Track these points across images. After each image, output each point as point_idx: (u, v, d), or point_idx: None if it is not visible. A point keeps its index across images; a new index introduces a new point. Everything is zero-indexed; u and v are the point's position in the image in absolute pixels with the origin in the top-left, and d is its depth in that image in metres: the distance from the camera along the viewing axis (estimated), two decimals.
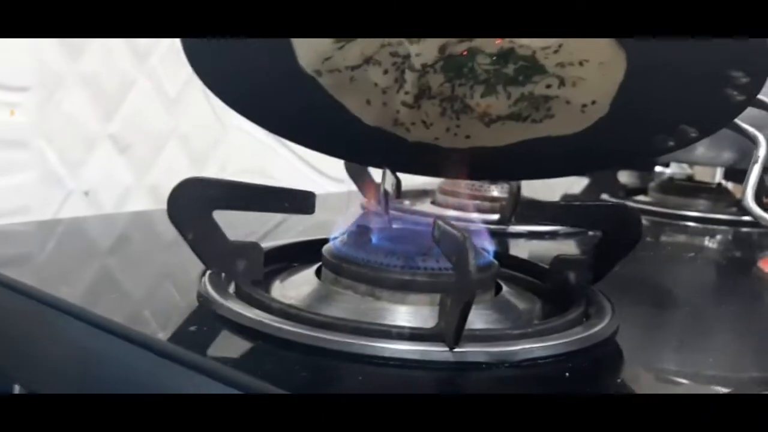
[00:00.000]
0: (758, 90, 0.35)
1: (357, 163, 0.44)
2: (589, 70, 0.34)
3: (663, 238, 0.72)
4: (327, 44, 0.35)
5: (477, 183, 0.70)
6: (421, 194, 0.73)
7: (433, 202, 0.71)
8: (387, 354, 0.31)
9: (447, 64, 0.35)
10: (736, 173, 0.82)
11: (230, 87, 0.40)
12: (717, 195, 0.81)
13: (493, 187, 0.69)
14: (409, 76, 0.36)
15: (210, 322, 0.35)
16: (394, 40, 0.35)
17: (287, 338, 0.32)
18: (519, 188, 0.64)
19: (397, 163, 0.43)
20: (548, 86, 0.35)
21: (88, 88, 0.68)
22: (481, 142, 0.39)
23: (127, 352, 0.33)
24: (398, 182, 0.46)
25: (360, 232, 0.41)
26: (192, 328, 0.34)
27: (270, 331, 0.33)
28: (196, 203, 0.38)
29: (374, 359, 0.31)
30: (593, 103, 0.35)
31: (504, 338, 0.33)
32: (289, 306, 0.35)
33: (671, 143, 0.38)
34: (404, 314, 0.36)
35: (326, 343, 0.32)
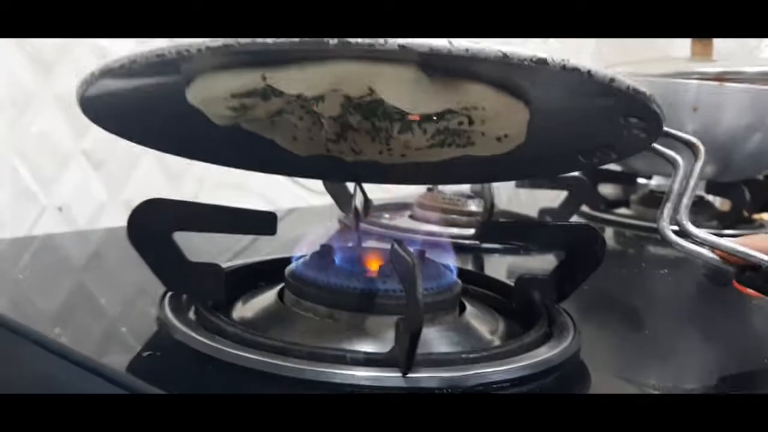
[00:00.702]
0: (658, 130, 0.35)
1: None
2: (491, 113, 0.34)
3: (643, 252, 0.72)
4: (228, 111, 0.35)
5: (455, 197, 0.70)
6: (401, 207, 0.73)
7: (411, 216, 0.71)
8: (339, 380, 0.31)
9: (358, 108, 0.35)
10: (718, 187, 0.82)
11: (155, 137, 0.40)
12: (699, 208, 0.81)
13: (470, 201, 0.68)
14: (326, 121, 0.37)
15: (166, 348, 0.35)
16: (291, 100, 0.35)
17: (241, 364, 0.32)
18: (492, 204, 0.64)
19: (342, 178, 0.42)
20: (460, 123, 0.35)
21: (60, 105, 0.68)
22: (417, 158, 0.39)
23: (85, 380, 0.33)
24: (366, 201, 0.46)
25: (323, 252, 0.41)
26: (146, 354, 0.34)
27: (223, 357, 0.33)
28: (155, 225, 0.37)
29: (327, 385, 0.31)
30: (506, 136, 0.35)
31: (459, 362, 0.33)
32: (244, 330, 0.34)
33: (595, 160, 0.39)
34: (363, 337, 0.35)
35: (279, 369, 0.32)
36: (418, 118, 0.36)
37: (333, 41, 0.27)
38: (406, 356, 0.30)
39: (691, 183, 0.37)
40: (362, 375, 0.31)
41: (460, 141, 0.37)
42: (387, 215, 0.71)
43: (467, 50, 0.27)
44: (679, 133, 0.37)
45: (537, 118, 0.34)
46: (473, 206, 0.68)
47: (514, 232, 0.41)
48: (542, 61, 0.28)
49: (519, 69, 0.29)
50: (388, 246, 0.43)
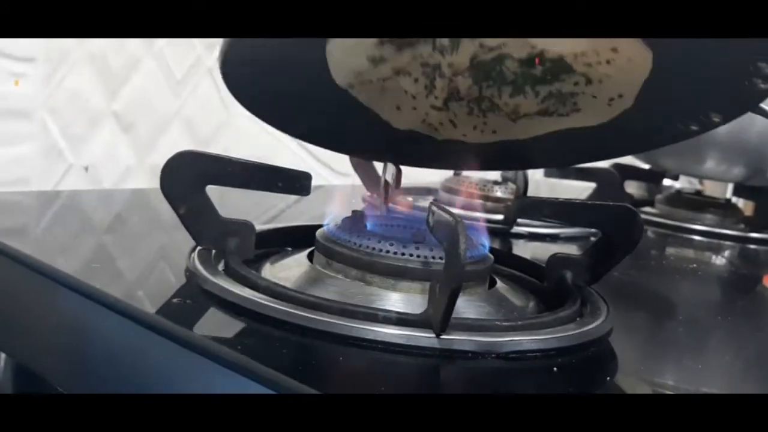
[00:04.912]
0: None
1: (385, 162, 0.45)
2: (615, 68, 0.35)
3: (668, 251, 0.71)
4: (361, 62, 0.36)
5: (481, 182, 0.69)
6: (424, 192, 0.72)
7: (435, 201, 0.70)
8: (371, 336, 0.30)
9: (476, 69, 0.36)
10: (746, 190, 0.81)
11: (264, 102, 0.40)
12: (725, 211, 0.80)
13: (497, 187, 0.68)
14: (439, 83, 0.37)
15: (195, 296, 0.34)
16: (425, 52, 0.36)
17: (272, 316, 0.32)
18: (525, 190, 0.63)
19: (423, 161, 0.43)
20: (576, 83, 0.36)
21: (94, 65, 0.68)
22: (507, 136, 0.40)
23: (114, 324, 0.33)
24: (398, 172, 0.46)
25: (355, 218, 0.40)
26: (175, 300, 0.34)
27: (254, 308, 0.32)
28: (189, 177, 0.37)
29: (358, 341, 0.30)
30: (620, 96, 0.36)
31: (493, 329, 0.32)
32: (276, 285, 0.34)
33: (694, 128, 0.38)
34: (394, 300, 0.35)
35: (310, 322, 0.31)
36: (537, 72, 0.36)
37: None
38: (442, 316, 0.30)
39: None
40: (395, 333, 0.31)
41: (565, 109, 0.38)
42: (411, 199, 0.70)
43: None
44: None
45: (655, 77, 0.34)
46: (500, 192, 0.68)
47: (551, 209, 0.40)
48: None
49: None
50: (416, 218, 0.43)
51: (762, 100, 0.36)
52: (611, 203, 0.41)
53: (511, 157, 0.42)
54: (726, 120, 0.38)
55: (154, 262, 0.44)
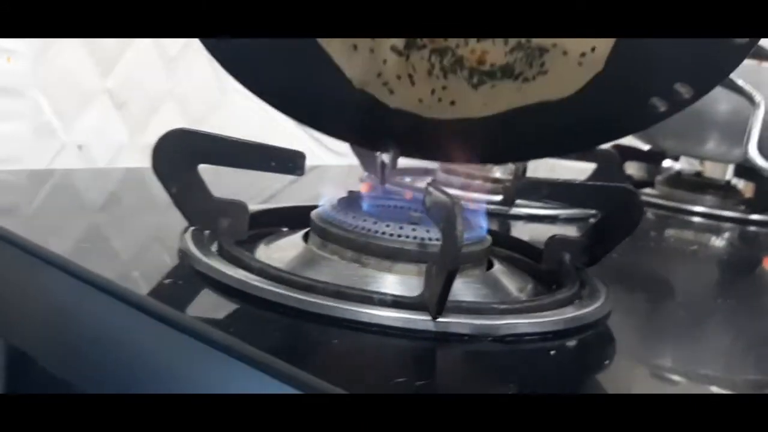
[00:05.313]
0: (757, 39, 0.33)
1: (340, 138, 0.43)
2: None
3: (667, 232, 0.71)
4: None
5: None
6: (422, 172, 0.71)
7: (433, 181, 0.69)
8: (366, 319, 0.30)
9: None
10: (747, 171, 0.80)
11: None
12: (725, 192, 0.79)
13: (495, 168, 0.67)
14: None
15: (188, 277, 0.34)
16: None
17: (265, 298, 0.31)
18: (525, 170, 0.63)
19: (374, 136, 0.41)
20: None
21: (86, 42, 0.67)
22: (467, 110, 0.37)
23: (105, 305, 0.32)
24: (396, 152, 0.45)
25: (351, 198, 0.40)
26: (167, 282, 0.33)
27: (247, 290, 0.32)
28: (181, 155, 0.36)
29: (353, 324, 0.30)
30: (592, 50, 0.34)
31: (489, 312, 0.32)
32: (269, 266, 0.33)
33: (663, 109, 0.36)
34: (390, 283, 0.34)
35: (304, 304, 0.30)
36: None
37: None
38: (438, 299, 0.29)
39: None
40: (390, 316, 0.30)
41: (531, 71, 0.35)
42: (408, 179, 0.70)
43: None
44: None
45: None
46: (498, 173, 0.67)
47: (550, 189, 0.40)
48: None
49: None
50: (413, 199, 0.42)
51: (736, 64, 0.35)
52: (611, 184, 0.40)
53: (470, 143, 0.40)
54: (696, 96, 0.36)
55: (147, 242, 0.43)
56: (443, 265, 0.29)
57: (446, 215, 0.30)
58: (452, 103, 0.38)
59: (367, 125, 0.41)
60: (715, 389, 0.32)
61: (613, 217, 0.39)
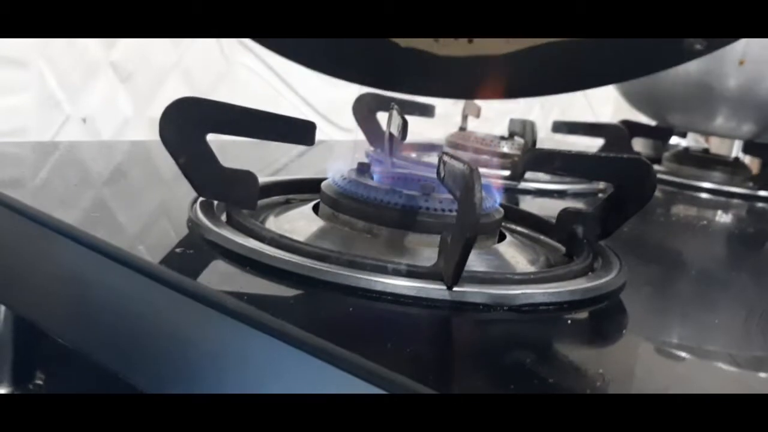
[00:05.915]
0: None
1: (352, 81, 0.41)
2: None
3: (675, 209, 0.70)
4: None
5: (488, 137, 0.68)
6: (428, 147, 0.71)
7: (445, 152, 0.69)
8: (380, 288, 0.30)
9: None
10: (755, 147, 0.80)
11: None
12: (733, 168, 0.79)
13: (503, 142, 0.67)
14: None
15: (198, 246, 0.33)
16: None
17: (277, 266, 0.31)
18: (534, 144, 0.62)
19: (391, 76, 0.39)
20: None
21: None
22: (487, 48, 0.36)
23: (116, 274, 0.32)
24: (404, 123, 0.44)
25: (362, 169, 0.39)
26: (178, 251, 0.33)
27: (260, 258, 0.31)
28: (190, 124, 0.36)
29: (368, 293, 0.30)
30: None
31: (505, 282, 0.31)
32: (281, 236, 0.33)
33: (699, 47, 0.35)
34: (402, 253, 0.34)
35: (317, 273, 0.30)
36: None
37: None
38: (454, 268, 0.29)
39: None
40: (405, 285, 0.30)
41: None
42: (415, 155, 0.69)
43: None
44: None
45: None
46: (506, 148, 0.66)
47: (562, 161, 0.39)
48: None
49: None
50: (424, 171, 0.42)
51: None
52: (625, 155, 0.39)
53: (488, 78, 0.38)
54: (710, 47, 0.34)
55: (156, 213, 0.43)
56: (460, 234, 0.28)
57: (464, 183, 0.29)
58: (470, 41, 0.36)
59: (380, 66, 0.39)
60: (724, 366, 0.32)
61: (626, 189, 0.38)
